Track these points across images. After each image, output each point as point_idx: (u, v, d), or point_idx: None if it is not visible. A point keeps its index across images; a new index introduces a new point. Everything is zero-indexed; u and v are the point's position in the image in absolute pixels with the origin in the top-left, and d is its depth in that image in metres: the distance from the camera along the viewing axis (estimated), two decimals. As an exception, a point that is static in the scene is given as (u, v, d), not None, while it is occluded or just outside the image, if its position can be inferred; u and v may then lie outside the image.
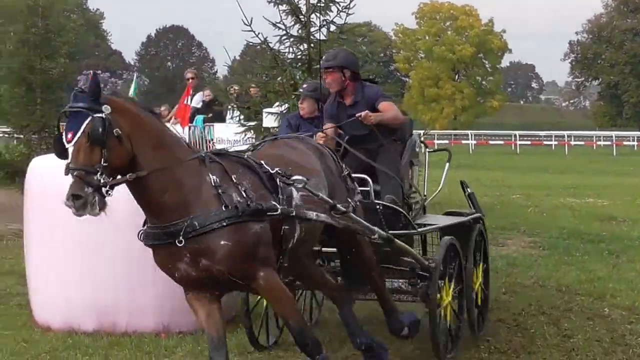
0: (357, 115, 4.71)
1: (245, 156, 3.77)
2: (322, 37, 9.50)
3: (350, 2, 9.23)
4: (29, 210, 5.53)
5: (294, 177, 3.66)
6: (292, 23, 9.26)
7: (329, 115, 4.95)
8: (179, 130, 10.64)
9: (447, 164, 5.38)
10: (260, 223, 3.46)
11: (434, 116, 54.43)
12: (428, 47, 56.52)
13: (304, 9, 9.32)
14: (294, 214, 3.60)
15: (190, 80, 11.98)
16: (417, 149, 5.16)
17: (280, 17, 9.13)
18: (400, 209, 4.56)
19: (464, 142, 38.57)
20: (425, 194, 5.29)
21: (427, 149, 5.55)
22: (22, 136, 14.76)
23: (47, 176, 4.96)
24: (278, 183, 3.63)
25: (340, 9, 9.29)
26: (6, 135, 16.28)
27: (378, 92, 5.00)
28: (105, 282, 5.08)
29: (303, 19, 9.30)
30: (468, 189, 5.52)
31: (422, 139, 5.46)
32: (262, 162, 3.69)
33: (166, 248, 3.40)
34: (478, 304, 5.19)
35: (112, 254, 5.05)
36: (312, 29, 9.31)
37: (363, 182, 4.55)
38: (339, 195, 4.05)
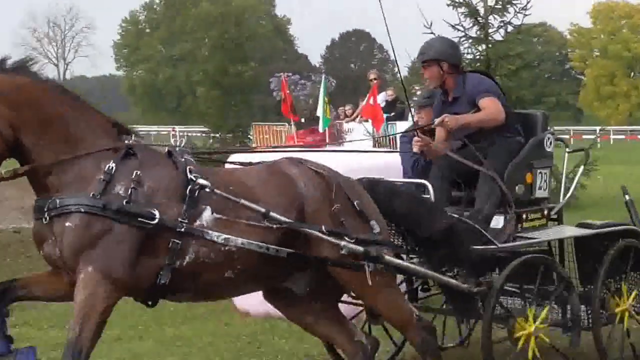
0: (434, 122, 4.21)
1: (183, 160, 3.35)
2: (500, 38, 10.00)
3: (527, 3, 9.54)
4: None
5: (200, 181, 3.21)
6: (471, 25, 9.74)
7: (436, 116, 4.30)
8: (368, 127, 11.42)
9: (582, 167, 4.91)
10: (123, 225, 3.08)
11: (609, 113, 53.59)
12: (603, 46, 56.47)
13: (482, 11, 9.76)
14: (181, 229, 3.14)
15: (374, 81, 12.56)
16: (549, 149, 4.35)
17: (459, 19, 9.60)
18: (473, 223, 3.88)
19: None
20: (564, 199, 4.49)
21: (567, 149, 4.72)
22: (217, 135, 16.58)
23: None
24: (187, 193, 3.19)
25: (517, 10, 9.64)
26: (203, 135, 18.26)
27: (480, 86, 4.28)
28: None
29: (481, 21, 9.78)
30: (627, 196, 4.72)
31: (553, 136, 4.51)
32: (191, 169, 3.27)
33: (38, 223, 3.20)
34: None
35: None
36: (490, 30, 9.81)
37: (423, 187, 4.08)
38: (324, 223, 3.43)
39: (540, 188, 4.27)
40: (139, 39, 46.36)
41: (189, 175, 3.21)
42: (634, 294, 4.26)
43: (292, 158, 3.66)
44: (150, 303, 3.36)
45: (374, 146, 10.43)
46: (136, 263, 3.12)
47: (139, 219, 3.07)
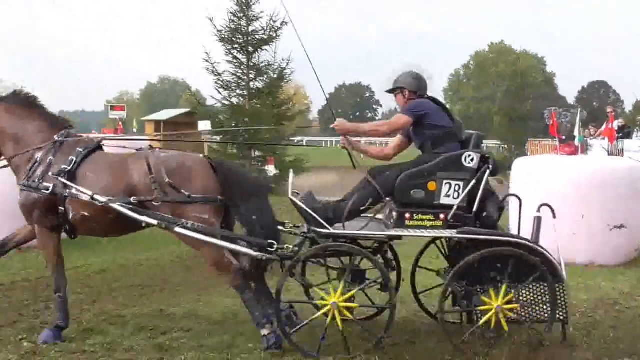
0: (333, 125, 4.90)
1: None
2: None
3: None
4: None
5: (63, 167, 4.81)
6: None
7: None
8: (604, 144, 16.25)
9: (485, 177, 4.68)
10: (38, 194, 4.77)
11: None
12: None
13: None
14: (64, 194, 4.73)
15: (611, 113, 16.66)
16: (468, 164, 4.61)
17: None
18: (305, 207, 4.66)
19: None
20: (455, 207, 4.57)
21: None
22: (505, 146, 27.88)
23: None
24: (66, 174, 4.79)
25: None
26: (498, 145, 28.81)
27: (407, 106, 4.91)
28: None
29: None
30: (538, 213, 4.92)
31: (475, 154, 4.68)
32: (75, 158, 4.85)
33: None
34: None
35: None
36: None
37: None
38: (145, 194, 4.65)
39: (448, 196, 4.60)
40: (460, 85, 63.89)
41: (72, 161, 4.84)
42: (508, 297, 4.53)
43: (151, 148, 5.11)
44: (73, 237, 5.01)
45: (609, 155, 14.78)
46: (54, 217, 4.82)
47: (42, 190, 4.77)
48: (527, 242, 4.63)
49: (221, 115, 16.11)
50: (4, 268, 6.94)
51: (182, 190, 4.65)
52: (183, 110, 43.59)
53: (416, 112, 4.80)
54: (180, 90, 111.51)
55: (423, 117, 4.80)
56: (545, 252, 4.59)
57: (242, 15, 15.66)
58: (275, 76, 15.83)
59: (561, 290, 4.63)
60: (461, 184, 4.63)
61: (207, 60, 15.61)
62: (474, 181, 4.64)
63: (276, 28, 15.52)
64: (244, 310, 4.78)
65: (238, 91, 15.89)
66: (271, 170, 15.32)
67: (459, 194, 4.63)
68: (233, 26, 15.67)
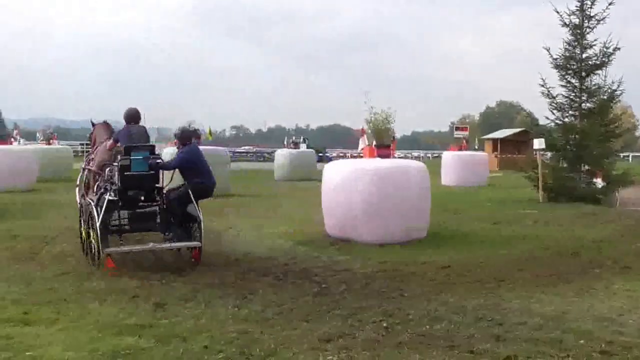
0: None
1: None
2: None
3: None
4: None
5: None
6: None
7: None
8: None
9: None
10: None
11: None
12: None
13: None
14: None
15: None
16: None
17: None
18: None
19: None
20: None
21: None
22: None
23: None
24: None
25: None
26: None
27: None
28: None
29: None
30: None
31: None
32: None
33: None
34: None
35: None
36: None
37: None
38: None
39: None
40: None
41: None
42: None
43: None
44: None
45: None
46: None
47: None
48: None
49: (553, 134, 15.73)
50: (367, 260, 7.49)
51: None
52: (518, 130, 42.66)
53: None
54: (514, 112, 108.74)
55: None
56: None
57: (576, 44, 15.59)
58: (605, 97, 15.34)
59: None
60: None
61: (542, 85, 15.60)
62: None
63: (609, 54, 15.16)
64: (571, 308, 4.68)
65: (570, 112, 15.78)
66: (599, 182, 15.08)
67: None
68: (568, 54, 15.67)
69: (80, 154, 53.06)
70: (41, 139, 22.88)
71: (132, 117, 7.65)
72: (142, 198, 7.17)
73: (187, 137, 8.01)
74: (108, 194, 6.93)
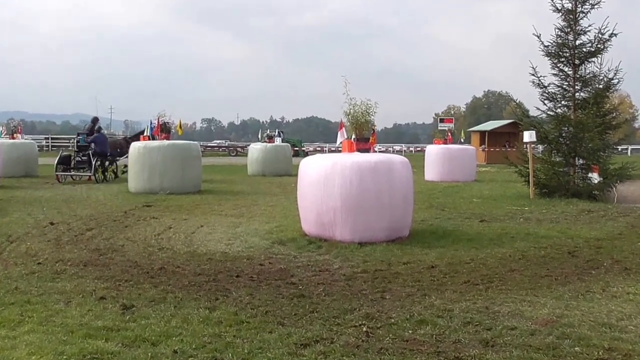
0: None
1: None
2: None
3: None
4: None
5: None
6: None
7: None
8: None
9: None
10: None
11: None
12: None
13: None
14: None
15: None
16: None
17: None
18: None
19: None
20: None
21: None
22: None
23: None
24: None
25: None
26: None
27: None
28: None
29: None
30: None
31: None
32: None
33: None
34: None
35: None
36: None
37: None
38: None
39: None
40: None
41: None
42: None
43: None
44: None
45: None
46: None
47: None
48: None
49: (545, 126, 15.72)
50: (347, 260, 7.55)
51: None
52: (507, 121, 43.05)
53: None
54: (503, 103, 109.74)
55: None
56: None
57: (569, 30, 15.49)
58: (601, 86, 15.22)
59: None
60: None
61: (533, 74, 15.52)
62: None
63: (604, 40, 15.06)
64: (569, 313, 4.58)
65: (563, 102, 15.73)
66: (595, 177, 14.80)
67: None
68: (560, 41, 15.58)
69: (45, 149, 52.68)
70: (5, 132, 22.58)
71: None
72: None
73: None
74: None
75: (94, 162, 18.94)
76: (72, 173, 19.78)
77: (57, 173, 19.24)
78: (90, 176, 19.14)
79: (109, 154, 19.98)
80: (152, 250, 7.94)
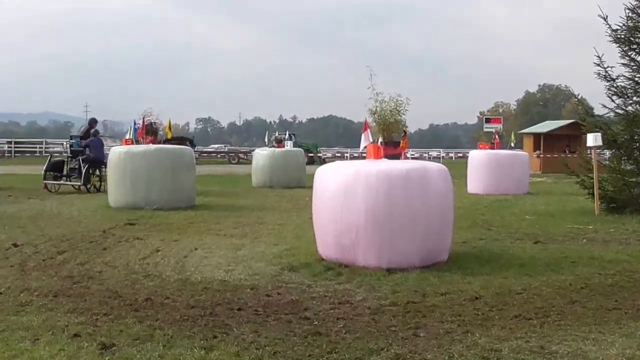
0: None
1: None
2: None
3: None
4: None
5: None
6: None
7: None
8: None
9: None
10: None
11: None
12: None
13: None
14: None
15: None
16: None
17: None
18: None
19: None
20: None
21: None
22: None
23: None
24: None
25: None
26: None
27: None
28: None
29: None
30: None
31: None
32: None
33: None
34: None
35: None
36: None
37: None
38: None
39: None
40: None
41: None
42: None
43: None
44: None
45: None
46: None
47: None
48: None
49: (614, 127, 15.54)
50: (373, 290, 7.54)
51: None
52: (566, 122, 42.86)
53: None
54: (562, 99, 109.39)
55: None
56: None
57: None
58: None
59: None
60: None
61: (598, 64, 15.33)
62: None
63: None
64: None
65: (635, 98, 15.43)
66: None
67: None
68: (632, 24, 15.30)
69: (7, 155, 53.26)
70: None
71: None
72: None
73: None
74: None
75: (84, 170, 19.45)
76: (67, 182, 20.49)
77: (46, 181, 20.21)
78: (79, 186, 19.81)
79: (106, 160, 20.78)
80: (136, 278, 7.97)
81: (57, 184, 20.49)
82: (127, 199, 15.72)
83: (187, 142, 24.01)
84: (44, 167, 20.81)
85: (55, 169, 20.80)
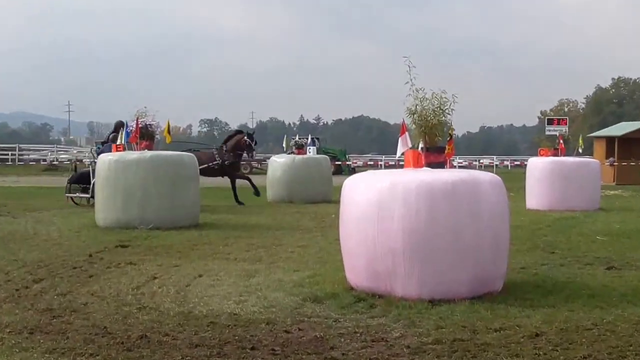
0: None
1: None
2: None
3: None
4: None
5: None
6: None
7: None
8: None
9: None
10: None
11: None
12: None
13: None
14: None
15: None
16: None
17: None
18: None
19: None
20: None
21: None
22: None
23: None
24: None
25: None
26: None
27: None
28: None
29: None
30: None
31: None
32: None
33: None
34: None
35: None
36: None
37: None
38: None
39: None
40: None
41: None
42: None
43: None
44: None
45: None
46: None
47: None
48: None
49: None
50: (413, 325, 7.54)
51: None
52: (648, 124, 42.47)
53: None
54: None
55: None
56: None
57: None
58: None
59: None
60: None
61: None
62: None
63: None
64: None
65: None
66: None
67: None
68: None
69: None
70: None
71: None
72: None
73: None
74: None
75: (93, 180, 19.47)
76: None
77: (70, 195, 21.82)
78: (89, 198, 20.51)
79: None
80: (128, 311, 8.01)
81: (84, 197, 21.25)
82: (118, 216, 15.78)
83: (245, 139, 23.68)
84: (68, 179, 22.68)
85: (82, 180, 21.79)
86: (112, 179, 15.93)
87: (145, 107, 18.13)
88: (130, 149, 16.87)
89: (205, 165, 22.34)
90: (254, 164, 55.91)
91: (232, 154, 23.61)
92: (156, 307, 8.22)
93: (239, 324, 7.49)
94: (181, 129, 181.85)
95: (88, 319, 7.66)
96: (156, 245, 13.06)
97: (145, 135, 17.20)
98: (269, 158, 31.67)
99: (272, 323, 7.55)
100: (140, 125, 17.15)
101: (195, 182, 16.88)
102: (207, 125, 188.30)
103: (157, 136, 18.16)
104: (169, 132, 18.90)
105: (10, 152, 59.40)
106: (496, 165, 69.24)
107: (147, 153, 16.38)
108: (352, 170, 45.12)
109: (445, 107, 9.98)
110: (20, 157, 58.21)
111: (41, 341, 6.83)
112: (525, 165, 25.18)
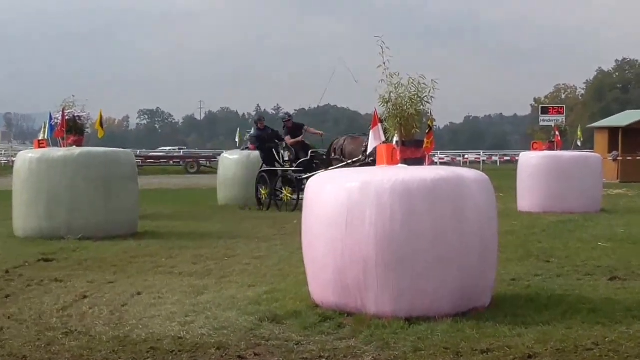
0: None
1: None
2: None
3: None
4: None
5: None
6: None
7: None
8: None
9: None
10: None
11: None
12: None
13: None
14: None
15: None
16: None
17: None
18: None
19: None
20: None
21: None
22: None
23: None
24: None
25: None
26: None
27: None
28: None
29: None
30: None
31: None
32: None
33: None
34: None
35: None
36: None
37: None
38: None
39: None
40: None
41: None
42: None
43: None
44: None
45: None
46: None
47: None
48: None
49: None
50: (388, 347, 7.54)
51: None
52: (658, 112, 42.87)
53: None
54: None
55: None
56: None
57: None
58: None
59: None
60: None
61: None
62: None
63: None
64: None
65: None
66: None
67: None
68: None
69: None
70: None
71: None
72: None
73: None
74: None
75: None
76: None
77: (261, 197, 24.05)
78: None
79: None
80: (53, 337, 7.94)
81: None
82: (40, 225, 15.65)
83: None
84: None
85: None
86: (34, 181, 15.73)
87: (73, 96, 17.90)
88: (56, 145, 16.71)
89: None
90: (202, 161, 55.77)
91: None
92: (86, 332, 8.16)
93: (185, 349, 7.47)
94: (116, 121, 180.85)
95: (4, 347, 7.59)
96: (86, 259, 13.01)
97: (74, 129, 16.98)
98: (219, 155, 31.59)
99: (224, 347, 7.53)
100: (67, 117, 16.94)
101: (134, 184, 16.78)
102: (147, 116, 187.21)
103: (87, 130, 17.94)
104: (101, 125, 18.67)
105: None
106: (483, 161, 69.80)
107: (76, 150, 16.21)
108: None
109: (424, 95, 9.97)
110: None
111: (-51, 373, 6.78)
112: (517, 161, 25.40)
